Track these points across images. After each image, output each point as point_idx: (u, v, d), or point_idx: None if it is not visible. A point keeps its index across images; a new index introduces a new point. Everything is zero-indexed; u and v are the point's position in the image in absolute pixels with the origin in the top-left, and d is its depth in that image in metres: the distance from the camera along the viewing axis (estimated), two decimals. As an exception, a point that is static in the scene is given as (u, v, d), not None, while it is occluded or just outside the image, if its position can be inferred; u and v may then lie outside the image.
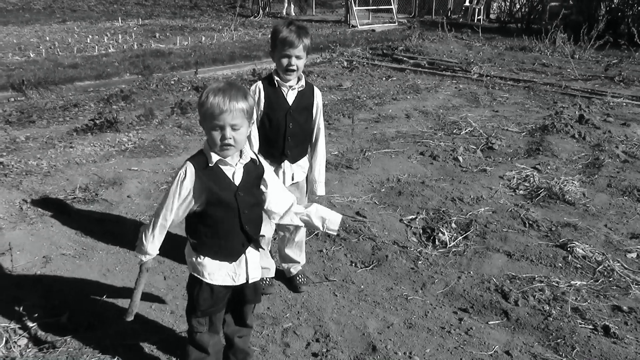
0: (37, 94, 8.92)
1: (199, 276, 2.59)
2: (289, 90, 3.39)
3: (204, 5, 26.44)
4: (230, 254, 2.59)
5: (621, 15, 16.52)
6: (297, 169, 3.55)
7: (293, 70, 3.31)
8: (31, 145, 6.38)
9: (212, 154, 2.44)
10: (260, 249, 2.71)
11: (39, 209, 4.78)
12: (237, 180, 2.49)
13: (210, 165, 2.45)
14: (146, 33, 16.60)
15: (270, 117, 3.42)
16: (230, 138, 2.37)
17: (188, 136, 6.93)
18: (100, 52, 12.96)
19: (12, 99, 8.62)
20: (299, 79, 3.41)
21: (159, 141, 6.63)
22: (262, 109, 3.41)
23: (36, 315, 3.33)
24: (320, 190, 3.65)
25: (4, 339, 3.09)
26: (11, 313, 3.35)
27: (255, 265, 2.66)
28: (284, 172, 3.49)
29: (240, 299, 2.72)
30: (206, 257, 2.57)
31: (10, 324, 3.25)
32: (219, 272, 2.58)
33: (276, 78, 3.38)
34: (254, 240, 2.63)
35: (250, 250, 2.63)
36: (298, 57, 3.28)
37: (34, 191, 5.11)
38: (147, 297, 3.63)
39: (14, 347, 3.07)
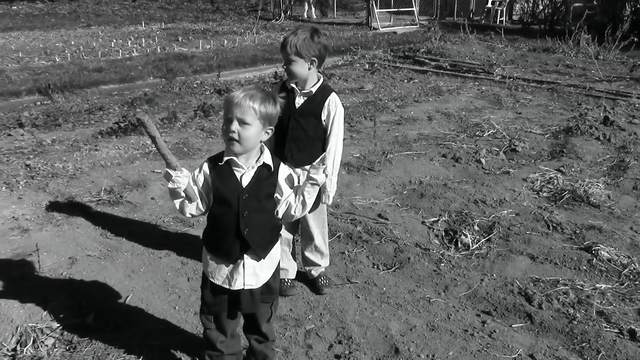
0: (62, 98, 9.06)
1: (205, 273, 2.68)
2: (298, 93, 3.40)
3: (225, 9, 26.63)
4: (227, 256, 2.59)
5: (647, 15, 16.30)
6: (303, 175, 3.52)
7: (287, 74, 3.34)
8: (57, 148, 6.48)
9: (225, 152, 2.51)
10: (262, 259, 2.63)
11: (65, 211, 4.85)
12: (245, 183, 2.51)
13: (220, 163, 2.50)
14: (169, 37, 16.76)
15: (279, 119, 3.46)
16: (234, 132, 2.39)
17: (211, 139, 6.98)
18: (124, 56, 13.11)
19: (39, 103, 8.77)
20: (315, 83, 3.41)
21: (182, 144, 6.69)
22: None
23: (63, 315, 3.40)
24: (324, 199, 3.55)
25: (32, 338, 3.14)
26: (38, 313, 3.41)
27: (253, 272, 2.62)
28: None
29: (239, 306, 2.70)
30: (209, 255, 2.64)
31: (38, 323, 3.30)
32: (218, 272, 2.62)
33: (287, 81, 3.42)
34: (255, 248, 2.58)
35: (249, 257, 2.60)
36: (287, 62, 3.28)
37: (60, 193, 5.19)
38: (172, 298, 3.68)
39: (41, 346, 3.12)
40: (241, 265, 2.59)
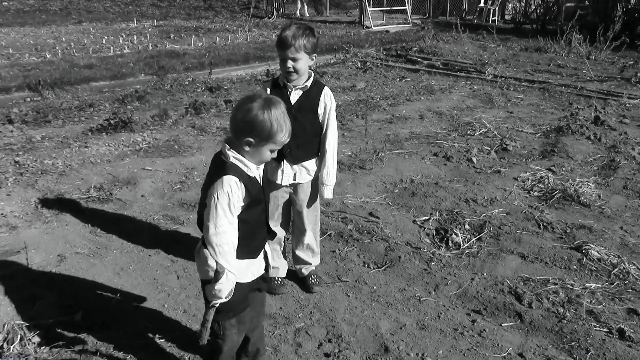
0: (53, 94, 9.00)
1: None
2: (293, 90, 3.39)
3: (218, 7, 26.55)
4: (256, 250, 2.67)
5: (638, 16, 16.35)
6: (301, 170, 3.52)
7: (290, 72, 3.29)
8: (47, 145, 6.43)
9: (253, 165, 2.50)
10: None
11: (54, 208, 4.82)
12: (260, 180, 2.59)
13: (252, 175, 2.50)
14: (161, 34, 16.69)
15: None
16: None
17: (202, 136, 6.95)
18: (116, 52, 13.05)
19: (29, 99, 8.71)
20: (308, 78, 3.40)
21: (173, 141, 6.66)
22: None
23: (50, 313, 3.37)
24: (327, 193, 3.57)
25: (19, 336, 3.11)
26: (26, 311, 3.39)
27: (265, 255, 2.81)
28: (282, 171, 3.47)
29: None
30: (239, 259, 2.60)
31: (25, 321, 3.27)
32: (246, 271, 2.62)
33: (280, 78, 3.40)
34: (271, 231, 2.79)
35: (266, 243, 2.78)
36: (294, 59, 3.24)
37: (50, 190, 5.16)
38: (161, 296, 3.66)
39: (28, 344, 3.10)
40: (262, 252, 2.74)
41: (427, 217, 4.85)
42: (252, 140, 2.43)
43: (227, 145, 2.47)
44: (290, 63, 3.25)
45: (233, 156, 2.46)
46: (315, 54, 3.35)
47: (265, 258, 2.78)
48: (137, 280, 3.83)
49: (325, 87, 3.47)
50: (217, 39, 15.78)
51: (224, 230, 2.42)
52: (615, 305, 3.67)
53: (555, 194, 5.32)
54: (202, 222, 2.54)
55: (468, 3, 23.93)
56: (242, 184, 2.43)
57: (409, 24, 20.99)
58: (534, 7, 19.93)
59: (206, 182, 2.52)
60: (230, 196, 2.40)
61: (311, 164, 3.55)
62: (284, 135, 2.45)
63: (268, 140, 2.43)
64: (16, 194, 5.04)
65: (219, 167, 2.46)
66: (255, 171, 2.53)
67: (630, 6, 16.55)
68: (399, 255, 4.22)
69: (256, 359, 2.95)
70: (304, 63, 3.28)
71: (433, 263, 4.16)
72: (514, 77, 11.17)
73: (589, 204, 5.18)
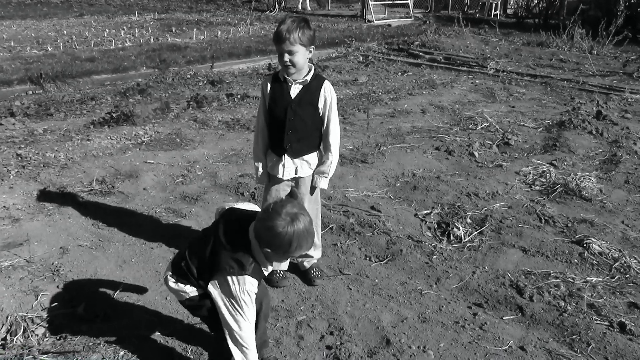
0: (54, 87, 9.01)
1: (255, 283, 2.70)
2: (293, 83, 3.38)
3: (220, 0, 26.51)
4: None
5: (640, 10, 16.36)
6: (302, 164, 3.52)
7: (287, 66, 3.28)
8: (49, 138, 6.44)
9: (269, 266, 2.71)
10: None
11: (57, 201, 4.82)
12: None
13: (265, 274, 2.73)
14: (163, 27, 16.69)
15: (273, 111, 3.44)
16: None
17: (204, 130, 6.95)
18: (117, 46, 13.06)
19: (30, 92, 8.72)
20: (308, 72, 3.39)
21: (175, 134, 6.67)
22: (267, 102, 3.46)
23: (53, 305, 3.38)
24: (322, 183, 3.56)
25: (22, 327, 3.13)
26: (29, 303, 3.40)
27: None
28: (283, 165, 3.48)
29: None
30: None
31: (28, 313, 3.28)
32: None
33: (281, 72, 3.40)
34: None
35: None
36: (290, 53, 3.22)
37: (52, 183, 5.17)
38: (163, 289, 3.67)
39: (31, 336, 3.11)
40: None
41: (428, 211, 4.85)
42: (269, 251, 2.51)
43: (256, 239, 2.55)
44: (287, 57, 3.25)
45: (258, 257, 2.59)
46: (313, 46, 3.33)
47: None
48: (139, 272, 3.84)
49: (326, 81, 3.46)
50: (219, 32, 15.78)
51: (246, 330, 2.58)
52: (616, 299, 3.68)
53: (557, 188, 5.32)
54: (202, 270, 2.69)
55: (470, -3, 23.90)
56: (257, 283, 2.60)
57: (411, 18, 20.97)
58: (536, 2, 19.92)
59: (222, 243, 2.60)
60: (250, 295, 2.55)
61: (312, 158, 3.55)
62: (303, 251, 2.53)
63: (286, 255, 2.54)
64: (18, 187, 5.05)
65: (241, 255, 2.55)
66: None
67: (632, 0, 16.51)
68: (400, 249, 4.22)
69: (261, 351, 2.96)
70: (301, 56, 3.26)
71: (434, 256, 4.17)
72: (516, 71, 11.16)
73: (591, 198, 5.18)
